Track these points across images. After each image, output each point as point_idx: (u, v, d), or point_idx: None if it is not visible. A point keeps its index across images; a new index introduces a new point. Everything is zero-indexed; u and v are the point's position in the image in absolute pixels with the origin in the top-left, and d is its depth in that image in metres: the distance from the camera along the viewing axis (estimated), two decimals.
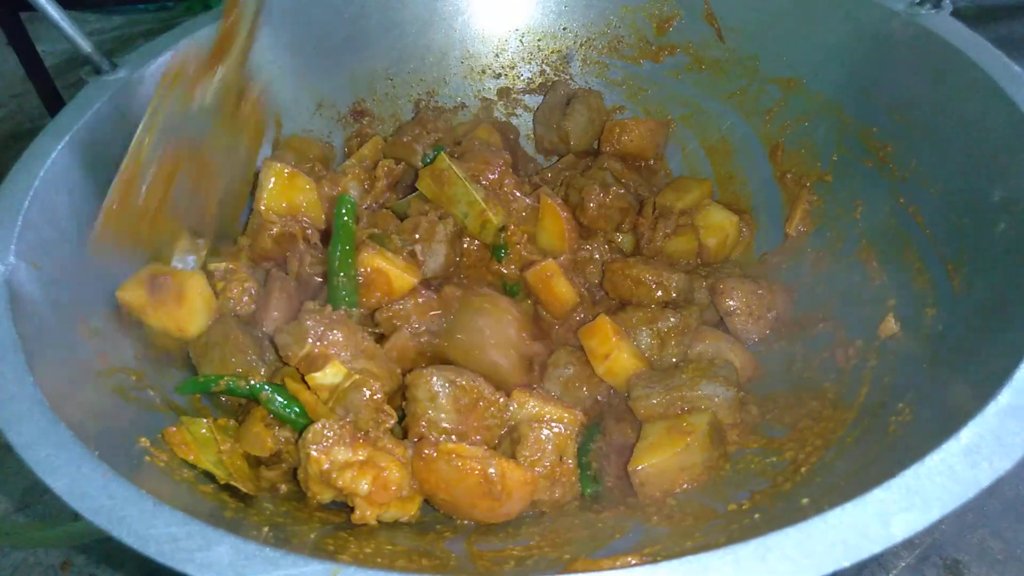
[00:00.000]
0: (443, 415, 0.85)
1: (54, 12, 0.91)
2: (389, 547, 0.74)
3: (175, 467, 0.73)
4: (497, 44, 1.31)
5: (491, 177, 1.09)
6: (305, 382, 0.87)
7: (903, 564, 0.98)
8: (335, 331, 0.88)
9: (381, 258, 0.97)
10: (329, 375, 0.86)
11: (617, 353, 0.98)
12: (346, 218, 0.98)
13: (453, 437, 0.85)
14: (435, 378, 0.86)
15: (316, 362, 0.86)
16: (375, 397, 0.84)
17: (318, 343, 0.87)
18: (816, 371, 0.96)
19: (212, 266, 0.98)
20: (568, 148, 1.29)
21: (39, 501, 1.12)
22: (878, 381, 0.84)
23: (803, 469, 0.78)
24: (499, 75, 1.33)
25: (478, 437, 0.87)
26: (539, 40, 1.31)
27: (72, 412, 0.66)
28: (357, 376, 0.85)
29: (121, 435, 0.72)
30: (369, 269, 0.97)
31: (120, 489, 0.58)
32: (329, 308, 0.92)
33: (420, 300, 0.98)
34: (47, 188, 0.85)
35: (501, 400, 0.88)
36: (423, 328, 0.97)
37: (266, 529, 0.68)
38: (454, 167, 1.05)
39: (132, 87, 0.99)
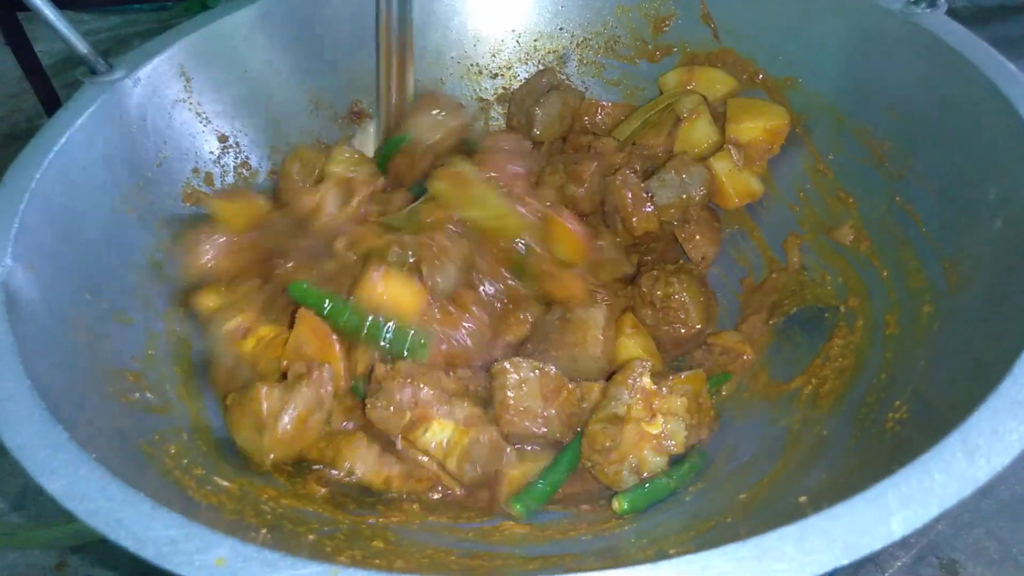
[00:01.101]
0: (530, 401, 0.88)
1: (49, 12, 0.91)
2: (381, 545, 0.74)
3: (174, 470, 0.73)
4: (494, 44, 1.31)
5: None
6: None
7: (899, 564, 0.99)
8: (422, 387, 0.87)
9: (391, 281, 0.93)
10: (437, 433, 0.86)
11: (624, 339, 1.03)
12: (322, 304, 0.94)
13: (542, 427, 0.88)
14: (525, 363, 0.89)
15: (416, 426, 0.86)
16: (493, 439, 0.86)
17: (414, 408, 0.86)
18: None
19: (229, 326, 0.93)
20: (530, 134, 1.28)
21: (34, 502, 1.12)
22: (875, 378, 0.84)
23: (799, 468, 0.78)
24: (496, 75, 1.33)
25: None
26: (535, 40, 1.31)
27: (69, 414, 0.66)
28: (471, 431, 0.86)
29: (119, 438, 0.72)
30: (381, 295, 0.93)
31: (118, 491, 0.57)
32: (401, 364, 0.89)
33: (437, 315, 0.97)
34: (44, 190, 0.84)
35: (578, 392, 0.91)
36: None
37: (264, 531, 0.68)
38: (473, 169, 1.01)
39: (128, 88, 0.99)
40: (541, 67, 1.32)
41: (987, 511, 1.01)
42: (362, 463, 0.87)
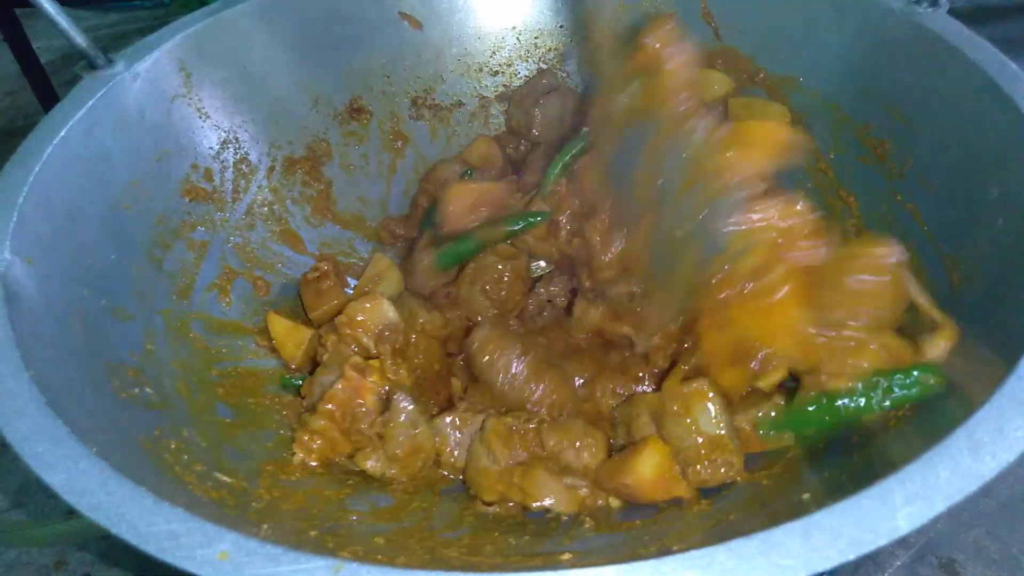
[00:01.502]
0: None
1: (49, 6, 0.91)
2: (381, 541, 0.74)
3: (174, 465, 0.73)
4: (494, 42, 1.31)
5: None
6: None
7: (899, 563, 0.98)
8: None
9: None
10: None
11: None
12: None
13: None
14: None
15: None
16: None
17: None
18: None
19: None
20: (529, 135, 1.28)
21: (32, 500, 1.11)
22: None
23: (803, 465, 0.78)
24: (496, 73, 1.33)
25: None
26: (536, 38, 1.31)
27: (69, 409, 0.65)
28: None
29: (119, 432, 0.72)
30: None
31: (118, 485, 0.57)
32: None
33: None
34: (42, 184, 0.84)
35: None
36: None
37: (265, 526, 0.68)
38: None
39: (127, 83, 0.99)
40: (542, 65, 1.32)
41: (987, 510, 1.01)
42: (552, 495, 0.85)
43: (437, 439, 0.91)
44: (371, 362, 0.94)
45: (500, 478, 0.86)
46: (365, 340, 0.98)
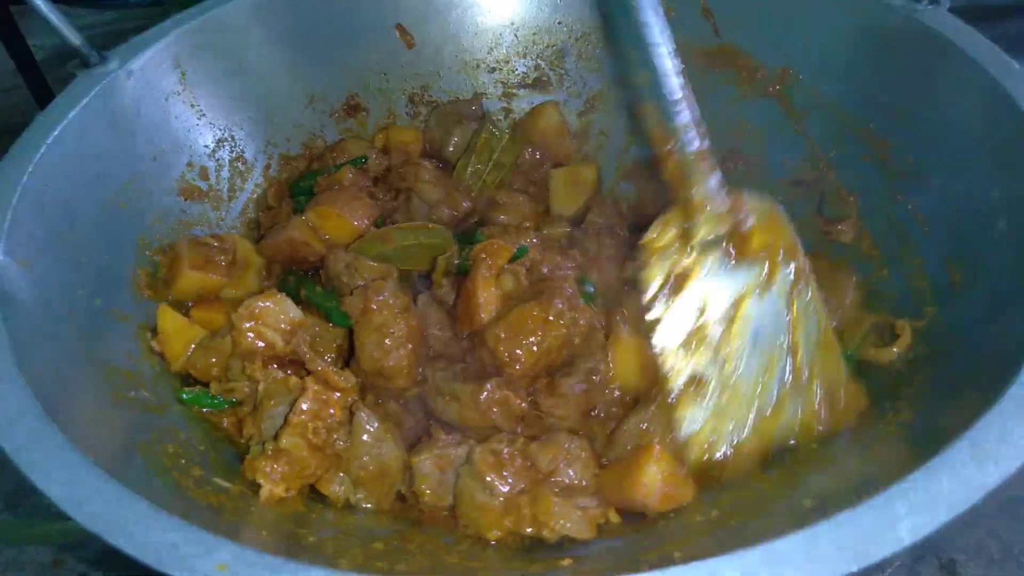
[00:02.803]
0: None
1: (41, 3, 0.90)
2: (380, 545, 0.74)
3: (172, 470, 0.72)
4: (491, 38, 1.30)
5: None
6: None
7: (898, 563, 0.98)
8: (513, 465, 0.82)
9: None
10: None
11: None
12: None
13: None
14: None
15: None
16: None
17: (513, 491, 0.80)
18: None
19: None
20: (440, 153, 1.28)
21: (28, 499, 1.11)
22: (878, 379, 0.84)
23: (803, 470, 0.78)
24: (493, 69, 1.32)
25: None
26: (534, 34, 1.30)
27: (65, 413, 0.65)
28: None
29: (116, 438, 0.71)
30: None
31: (116, 493, 0.57)
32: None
33: None
34: (36, 184, 0.83)
35: None
36: None
37: (264, 533, 0.67)
38: None
39: (122, 80, 0.98)
40: (539, 62, 1.30)
41: (988, 511, 1.01)
42: (568, 520, 0.77)
43: (418, 479, 0.84)
44: (322, 371, 0.86)
45: (506, 511, 0.79)
46: (270, 335, 0.89)
